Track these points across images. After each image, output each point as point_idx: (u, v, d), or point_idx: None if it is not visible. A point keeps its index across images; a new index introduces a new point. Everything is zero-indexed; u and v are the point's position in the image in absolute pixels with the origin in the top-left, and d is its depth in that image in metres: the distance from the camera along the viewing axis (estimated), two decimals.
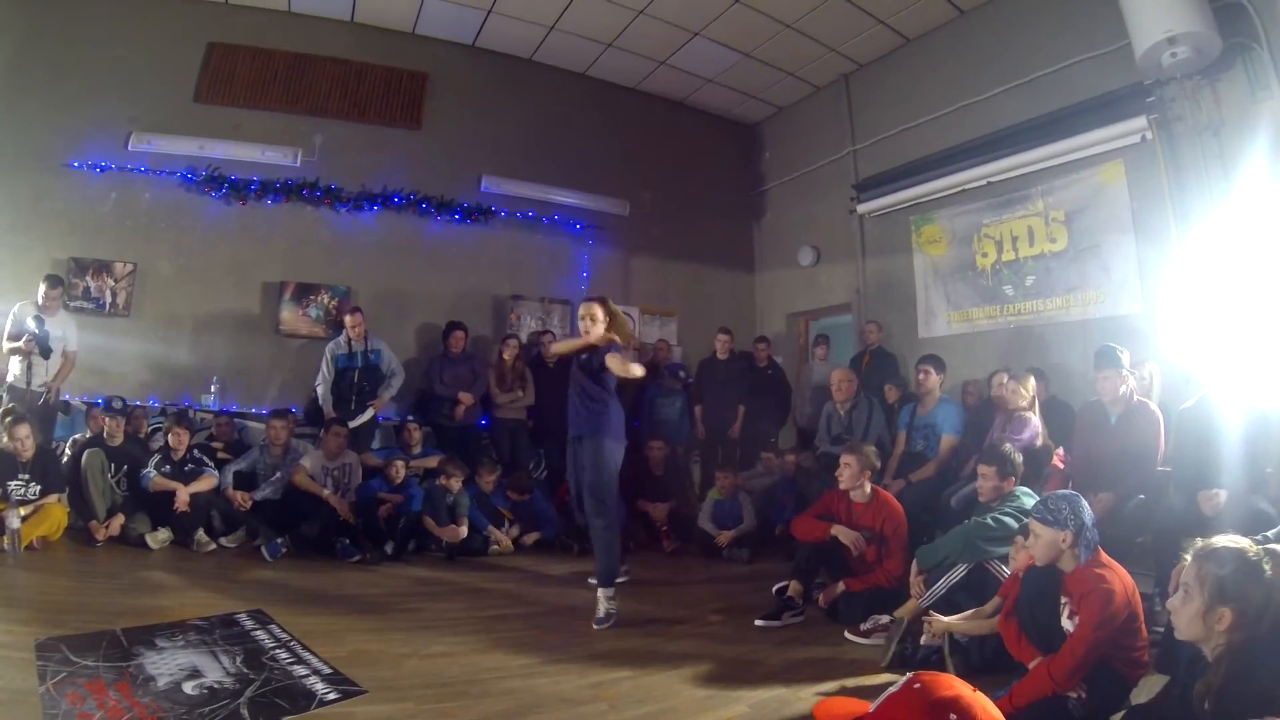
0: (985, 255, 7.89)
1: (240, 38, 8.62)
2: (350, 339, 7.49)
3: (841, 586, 4.82)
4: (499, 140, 9.56)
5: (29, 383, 6.53)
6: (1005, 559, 3.98)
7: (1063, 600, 3.18)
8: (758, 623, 4.58)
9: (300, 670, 3.39)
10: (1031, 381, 5.85)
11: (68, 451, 6.47)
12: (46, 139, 7.75)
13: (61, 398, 6.96)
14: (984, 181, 7.83)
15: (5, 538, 5.27)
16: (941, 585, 4.16)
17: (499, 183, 9.45)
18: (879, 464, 5.13)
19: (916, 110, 8.67)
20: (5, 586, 4.67)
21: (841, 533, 4.83)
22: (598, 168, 9.99)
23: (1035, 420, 5.67)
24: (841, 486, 4.97)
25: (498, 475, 7.10)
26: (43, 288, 6.66)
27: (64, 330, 6.77)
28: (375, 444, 7.65)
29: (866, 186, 9.07)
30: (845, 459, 4.94)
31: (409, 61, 9.30)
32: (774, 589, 4.94)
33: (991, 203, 7.85)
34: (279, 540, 5.87)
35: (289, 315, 8.40)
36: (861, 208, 9.09)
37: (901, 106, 8.87)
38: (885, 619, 4.18)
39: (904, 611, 4.13)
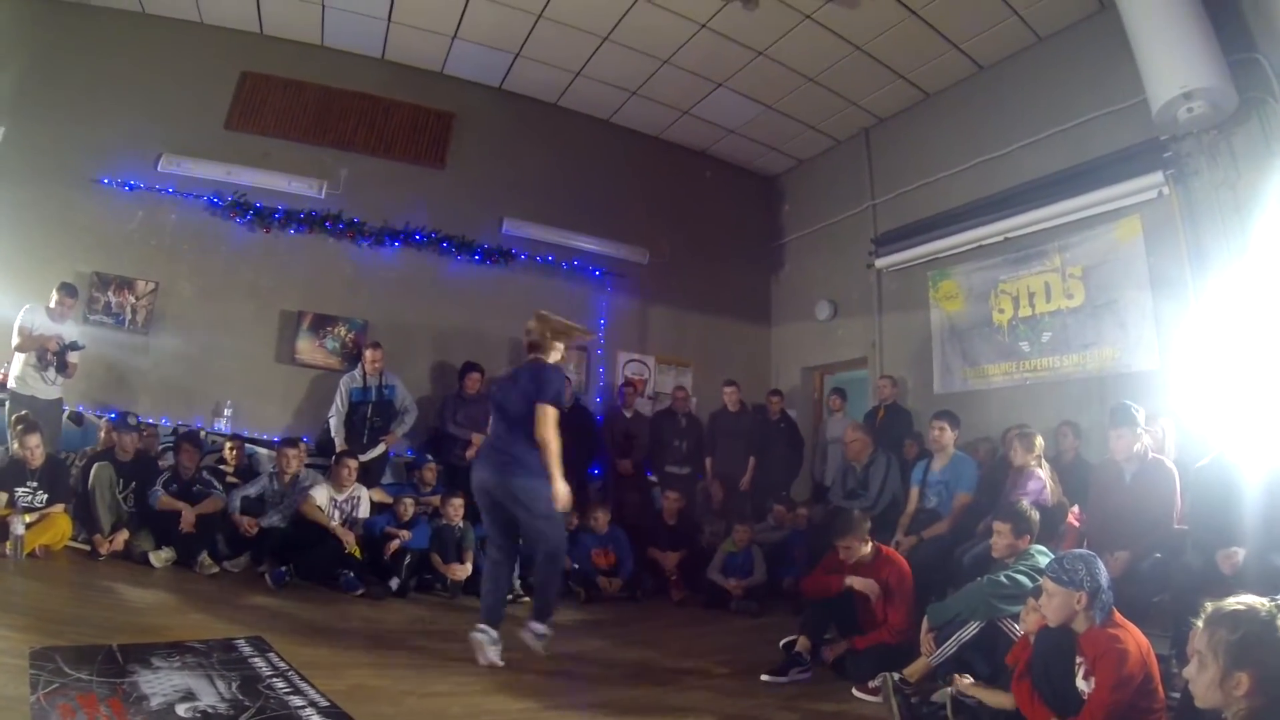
0: (1002, 311, 7.87)
1: (273, 68, 8.80)
2: (366, 373, 7.53)
3: (849, 643, 4.75)
4: (522, 183, 9.63)
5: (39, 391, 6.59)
6: (1018, 618, 3.89)
7: (1078, 661, 3.11)
8: (764, 678, 4.49)
9: (297, 701, 3.33)
10: (1039, 440, 5.77)
11: (77, 463, 6.45)
12: (77, 154, 7.90)
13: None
14: (1001, 237, 7.83)
15: (8, 543, 5.30)
16: (952, 643, 4.08)
17: (520, 225, 9.50)
18: (869, 525, 5.06)
19: (935, 165, 8.72)
20: (4, 592, 4.67)
21: (855, 581, 4.76)
22: (618, 215, 10.04)
23: (1041, 474, 5.59)
24: (849, 564, 4.90)
25: None
26: (56, 295, 6.73)
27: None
28: (385, 479, 7.64)
29: (885, 241, 9.09)
30: (842, 544, 4.87)
31: (436, 101, 9.42)
32: (782, 644, 4.84)
33: (1009, 258, 7.85)
34: (283, 568, 5.82)
35: (305, 345, 8.42)
36: (879, 262, 9.09)
37: (920, 161, 8.92)
38: (894, 676, 4.09)
39: (913, 669, 4.05)
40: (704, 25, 7.98)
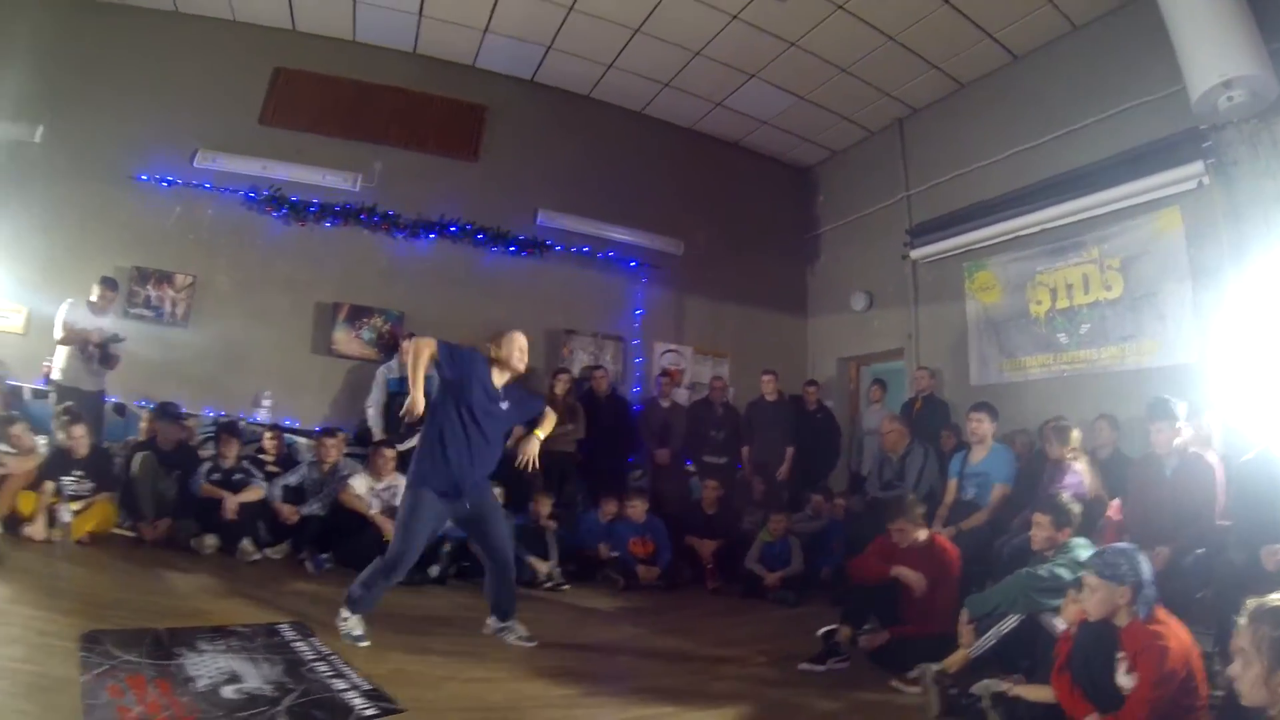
0: (1039, 303, 7.79)
1: (306, 64, 8.91)
2: (402, 364, 7.53)
3: (888, 633, 4.71)
4: (555, 175, 9.67)
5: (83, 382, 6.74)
6: (1057, 611, 3.86)
7: (1119, 656, 3.08)
8: (802, 666, 4.48)
9: (339, 684, 3.38)
10: (1075, 433, 5.72)
11: (121, 453, 6.57)
12: (115, 151, 8.08)
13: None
14: (1038, 228, 7.74)
15: (56, 530, 5.46)
16: (991, 635, 4.04)
17: (555, 217, 9.52)
18: (923, 510, 5.03)
19: (970, 155, 8.64)
20: (53, 577, 4.77)
21: (903, 573, 4.69)
22: (653, 206, 10.04)
23: (1078, 468, 5.54)
24: (902, 547, 4.86)
25: (553, 503, 7.05)
26: (97, 289, 6.89)
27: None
28: None
29: (920, 232, 9.02)
30: (895, 526, 4.84)
31: (469, 94, 9.47)
32: (820, 632, 4.76)
33: (1045, 250, 7.76)
34: (324, 555, 5.90)
35: (341, 336, 8.51)
36: (915, 253, 9.03)
37: (955, 151, 8.84)
38: (933, 668, 4.06)
39: (952, 661, 4.00)
40: (735, 16, 7.96)
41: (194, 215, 8.30)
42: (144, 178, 8.16)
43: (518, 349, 4.55)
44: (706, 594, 6.80)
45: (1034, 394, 7.69)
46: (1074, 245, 7.52)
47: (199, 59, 8.55)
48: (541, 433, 4.68)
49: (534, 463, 4.58)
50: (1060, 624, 3.72)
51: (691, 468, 8.59)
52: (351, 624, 4.15)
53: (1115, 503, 5.36)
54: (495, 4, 8.21)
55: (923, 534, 4.85)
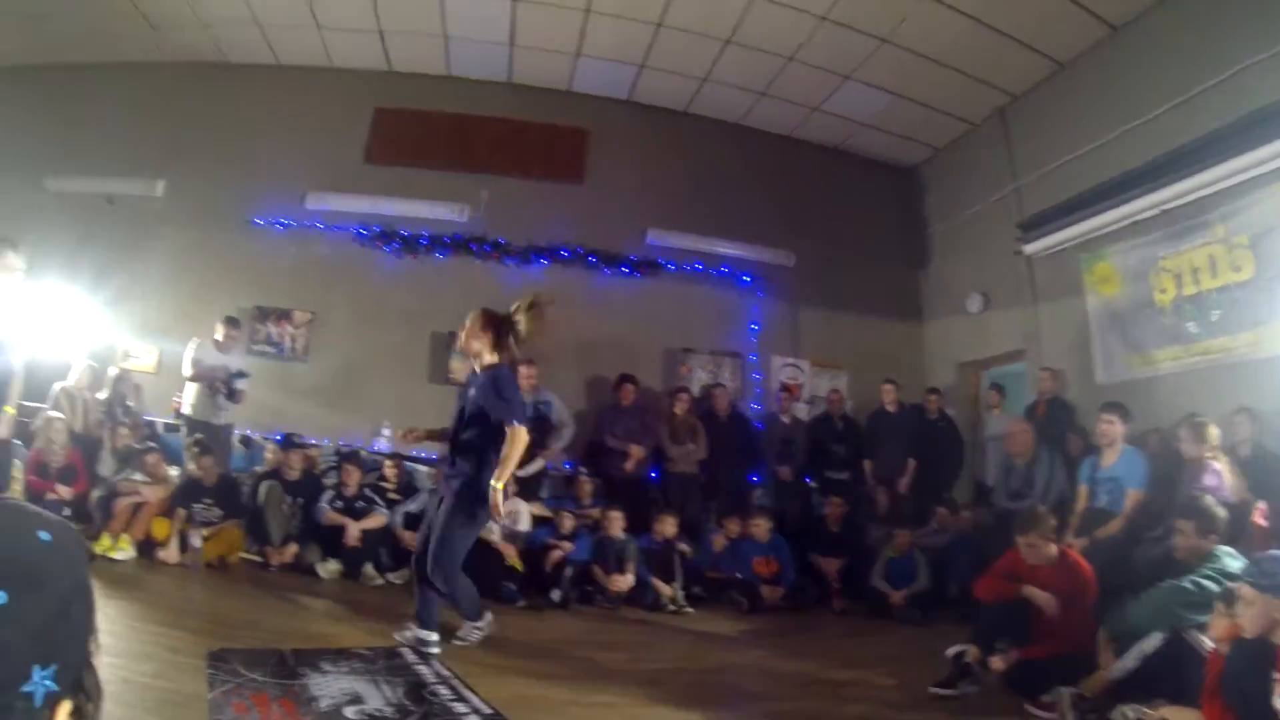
0: (1164, 291, 7.31)
1: (404, 102, 9.22)
2: (521, 390, 7.62)
3: (1021, 654, 4.47)
4: (661, 193, 9.63)
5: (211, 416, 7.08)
6: (1204, 628, 3.58)
7: (1275, 676, 2.83)
8: (932, 689, 4.26)
9: (460, 708, 3.38)
10: (1213, 429, 5.35)
11: (248, 482, 6.85)
12: (232, 199, 8.65)
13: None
14: (1156, 210, 7.23)
15: (187, 554, 5.82)
16: (1132, 655, 3.76)
17: (664, 235, 9.46)
18: (1054, 522, 4.75)
19: (1078, 139, 8.16)
20: (184, 598, 5.03)
21: (1033, 594, 4.42)
22: (761, 218, 9.87)
23: (1218, 467, 5.17)
24: (1030, 563, 4.63)
25: (678, 524, 6.98)
26: (221, 328, 7.27)
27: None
28: (544, 493, 7.72)
29: (1032, 225, 8.58)
30: (1024, 541, 4.59)
31: (568, 118, 9.56)
32: (949, 653, 4.54)
33: (1166, 233, 7.27)
34: None
35: (458, 365, 8.47)
36: (1028, 248, 8.59)
37: (1062, 136, 8.37)
38: (1070, 692, 3.82)
39: (1091, 684, 3.77)
40: (824, 18, 7.80)
41: (309, 254, 8.71)
42: (260, 222, 8.69)
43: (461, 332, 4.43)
44: (832, 614, 6.60)
45: (1165, 389, 7.20)
46: (1197, 225, 7.01)
47: (303, 106, 9.05)
48: (499, 482, 4.09)
49: (498, 513, 4.21)
50: (1209, 642, 3.43)
51: (813, 484, 8.40)
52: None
53: (1262, 506, 4.95)
54: (584, 28, 8.30)
55: (1053, 549, 4.57)
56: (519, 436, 4.07)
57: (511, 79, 9.43)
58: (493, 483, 4.07)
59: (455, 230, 8.91)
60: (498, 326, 4.29)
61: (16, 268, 4.59)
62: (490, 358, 4.27)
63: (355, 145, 9.07)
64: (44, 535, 0.73)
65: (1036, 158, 8.64)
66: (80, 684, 0.73)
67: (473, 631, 4.41)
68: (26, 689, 0.66)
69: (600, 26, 8.26)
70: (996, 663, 4.30)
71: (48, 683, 0.68)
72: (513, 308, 4.32)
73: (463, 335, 4.36)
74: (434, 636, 4.20)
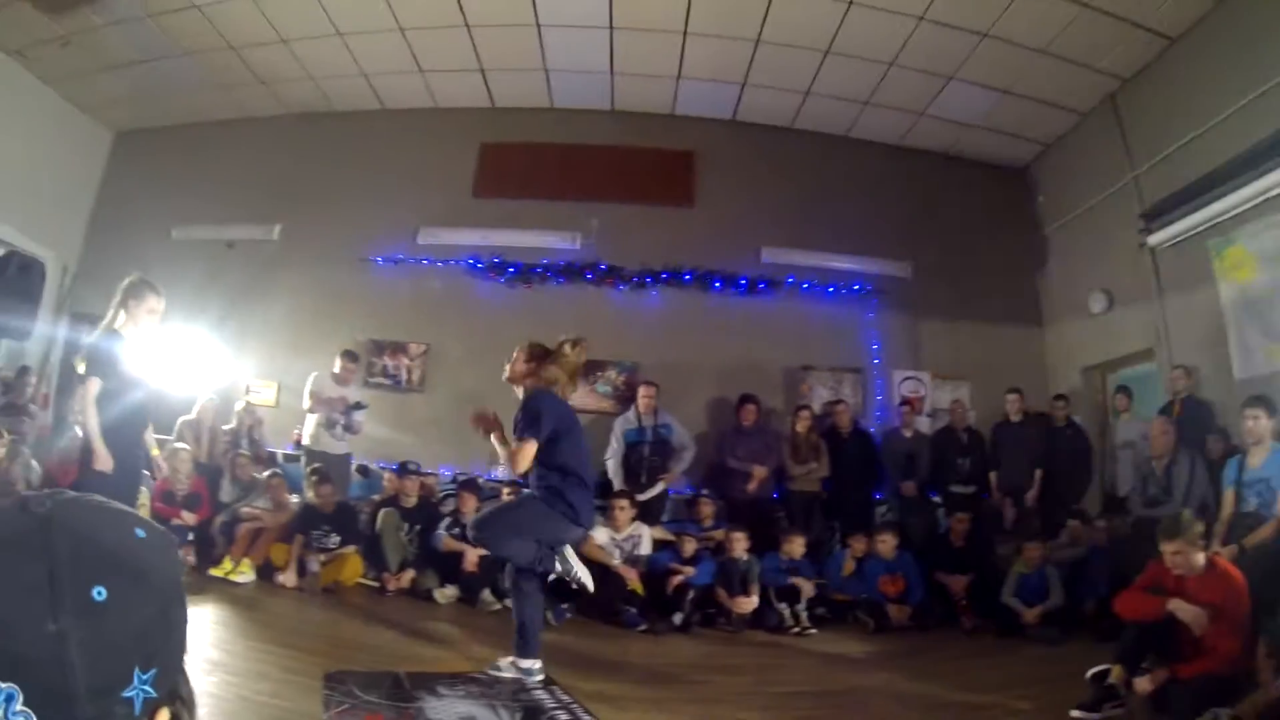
0: None
1: (509, 135, 9.35)
2: (640, 414, 7.53)
3: (1169, 673, 4.01)
4: (773, 210, 9.46)
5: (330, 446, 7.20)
6: None
7: None
8: (1074, 714, 3.90)
9: None
10: None
11: (366, 510, 6.96)
12: (345, 238, 8.99)
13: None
14: None
15: (305, 579, 5.98)
16: None
17: (778, 253, 9.27)
18: (1202, 528, 4.29)
19: (1197, 117, 7.50)
20: (301, 621, 5.11)
21: (1180, 608, 3.99)
22: (874, 231, 9.59)
23: None
24: (1176, 574, 4.18)
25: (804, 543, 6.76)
26: (339, 361, 7.41)
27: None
28: (665, 517, 7.58)
29: (1154, 215, 7.95)
30: (1169, 550, 4.16)
31: (673, 141, 9.49)
32: (1089, 675, 4.15)
33: None
34: (564, 605, 5.81)
35: (577, 391, 8.57)
36: (1152, 239, 7.96)
37: (1179, 116, 7.71)
38: (1226, 713, 3.38)
39: (1249, 704, 3.35)
40: (921, 18, 7.50)
41: (422, 288, 8.90)
42: (374, 259, 8.93)
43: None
44: (960, 634, 6.20)
45: None
46: None
47: (410, 146, 9.34)
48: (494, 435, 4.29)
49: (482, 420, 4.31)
50: None
51: (937, 499, 8.05)
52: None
53: None
54: (682, 50, 8.22)
55: (1201, 558, 4.12)
56: (523, 450, 3.97)
57: (614, 107, 9.43)
58: (484, 413, 4.33)
59: (568, 258, 8.92)
60: (540, 358, 4.26)
61: (159, 310, 4.75)
62: (531, 383, 4.21)
63: (463, 180, 9.23)
64: (140, 532, 0.71)
65: (1153, 142, 8.02)
66: (177, 692, 0.70)
67: (512, 668, 4.03)
68: (128, 694, 0.63)
69: (698, 47, 8.18)
70: (1143, 684, 3.93)
71: (147, 688, 0.64)
72: (560, 340, 4.32)
73: (508, 367, 4.34)
74: (536, 664, 4.00)
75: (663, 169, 9.36)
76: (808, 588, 6.32)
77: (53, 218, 9.19)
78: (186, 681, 0.72)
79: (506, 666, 3.95)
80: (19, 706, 0.57)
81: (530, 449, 3.94)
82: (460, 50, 8.36)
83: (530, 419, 3.96)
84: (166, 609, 0.68)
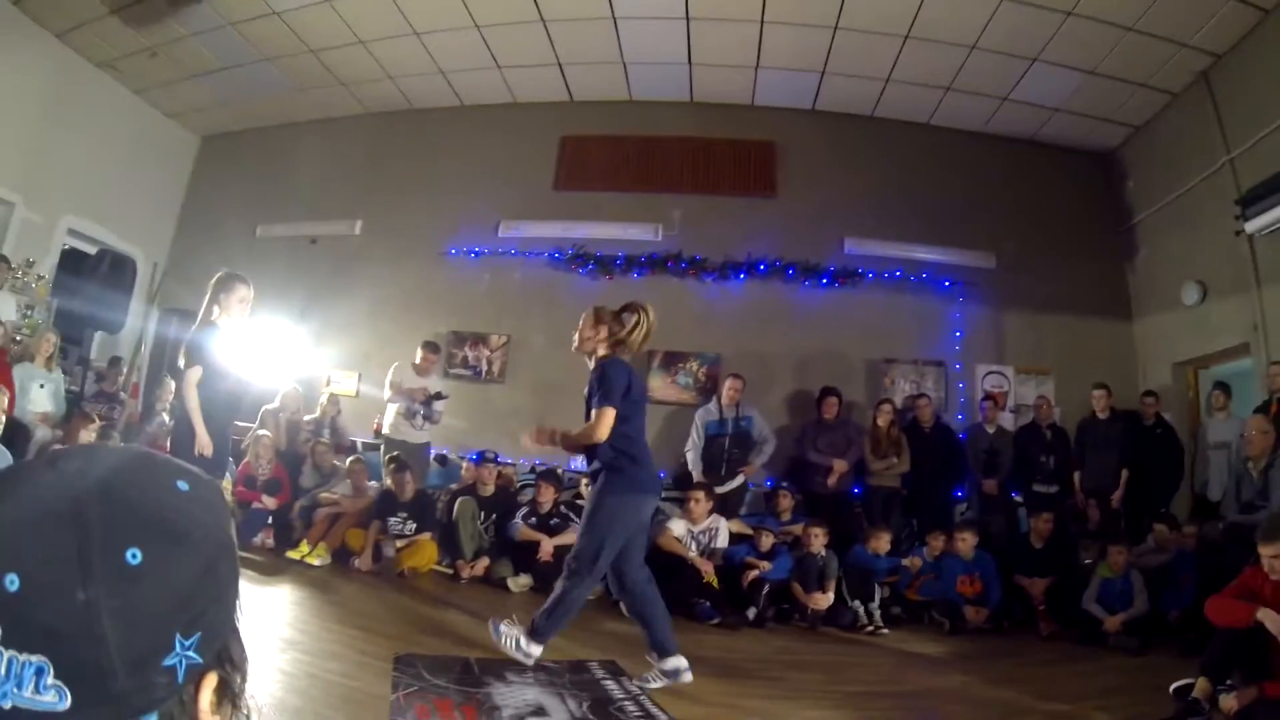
0: None
1: (589, 129, 9.41)
2: (722, 405, 7.50)
3: (1258, 690, 3.73)
4: (856, 200, 9.29)
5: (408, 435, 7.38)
6: None
7: None
8: None
9: None
10: None
11: (443, 498, 7.06)
12: (426, 232, 9.24)
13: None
14: None
15: (380, 564, 6.17)
16: None
17: (861, 243, 9.11)
18: None
19: None
20: (375, 605, 5.18)
21: (1269, 618, 3.75)
22: (957, 220, 9.32)
23: None
24: (1274, 579, 3.91)
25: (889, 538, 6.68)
26: (420, 352, 7.57)
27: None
28: (743, 510, 7.51)
29: (1252, 199, 7.41)
30: (1267, 551, 3.89)
31: (754, 132, 9.41)
32: (1173, 688, 3.92)
33: None
34: None
35: (657, 383, 8.60)
36: (1249, 225, 7.43)
37: (1277, 95, 7.29)
38: None
39: None
40: None
41: (503, 280, 9.02)
42: (454, 252, 9.14)
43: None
44: (1038, 639, 5.98)
45: None
46: None
47: (490, 141, 9.51)
48: (552, 440, 4.12)
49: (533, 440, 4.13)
50: None
51: (1019, 498, 7.82)
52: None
53: None
54: (760, 40, 8.13)
55: None
56: (603, 417, 3.88)
57: (693, 98, 9.38)
58: (538, 429, 4.12)
59: (650, 250, 8.92)
60: (608, 322, 4.16)
61: (249, 299, 4.95)
62: (603, 351, 4.12)
63: (544, 174, 9.33)
64: (182, 484, 0.66)
65: (1250, 122, 7.51)
66: (227, 654, 0.67)
67: (659, 676, 3.89)
68: (169, 662, 0.59)
69: (776, 36, 8.07)
70: (1229, 701, 3.66)
71: (191, 654, 0.61)
72: (628, 305, 4.22)
73: (576, 336, 4.24)
74: (682, 663, 3.86)
75: (744, 159, 9.29)
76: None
77: (144, 219, 9.83)
78: (239, 642, 0.69)
79: (655, 676, 3.83)
80: (50, 680, 0.54)
81: (610, 416, 3.88)
82: (537, 45, 8.43)
83: (608, 387, 3.91)
84: (213, 565, 0.64)
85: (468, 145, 9.51)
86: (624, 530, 3.92)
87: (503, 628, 3.94)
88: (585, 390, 4.07)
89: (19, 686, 0.54)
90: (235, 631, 0.69)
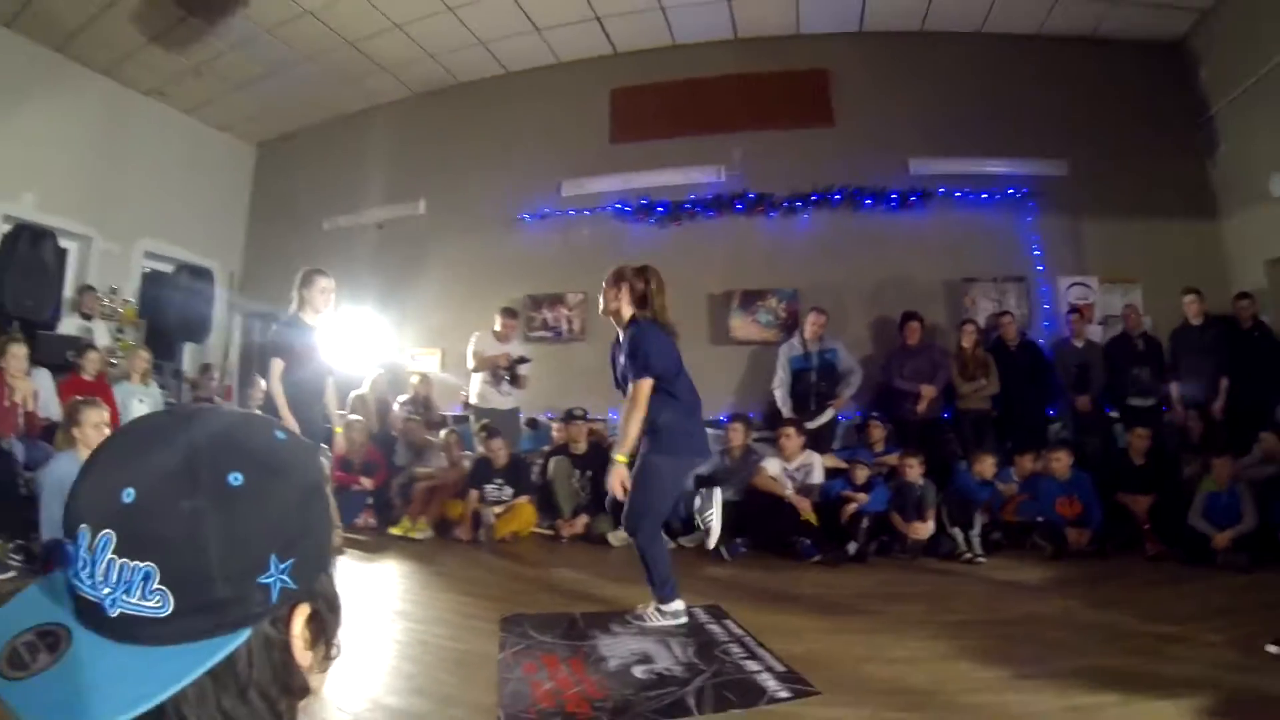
0: None
1: (638, 78, 9.34)
2: (805, 340, 7.47)
3: None
4: (915, 119, 8.97)
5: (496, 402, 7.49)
6: None
7: None
8: (1270, 648, 3.51)
9: (753, 666, 3.30)
10: None
11: (537, 461, 7.20)
12: (490, 202, 9.44)
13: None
14: None
15: (481, 531, 6.31)
16: None
17: (926, 163, 8.84)
18: None
19: None
20: (479, 571, 5.34)
21: None
22: (1023, 129, 8.93)
23: None
24: None
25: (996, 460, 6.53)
26: (499, 319, 7.64)
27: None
28: (836, 444, 7.49)
29: None
30: None
31: (804, 61, 9.18)
32: None
33: None
34: (739, 540, 5.87)
35: (738, 323, 8.67)
36: None
37: None
38: None
39: None
40: None
41: (572, 239, 9.12)
42: (522, 217, 9.26)
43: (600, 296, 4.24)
44: (1144, 560, 5.78)
45: None
46: None
47: (541, 104, 9.57)
48: (620, 454, 4.02)
49: (618, 490, 3.99)
50: None
51: (1114, 414, 7.56)
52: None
53: None
54: None
55: None
56: (639, 391, 3.89)
57: (737, 35, 9.20)
58: (614, 457, 4.04)
59: (714, 191, 8.90)
60: (631, 280, 4.11)
61: (330, 288, 5.20)
62: (629, 311, 4.10)
63: (599, 129, 9.33)
64: (281, 435, 0.71)
65: None
66: (321, 591, 0.70)
67: (655, 614, 3.97)
68: (264, 579, 0.62)
69: None
70: None
71: (285, 578, 0.64)
72: (637, 269, 4.17)
73: (601, 299, 4.20)
74: (679, 604, 3.97)
75: (797, 90, 9.08)
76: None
77: (214, 230, 10.35)
78: (331, 583, 0.72)
79: (651, 614, 3.93)
80: (156, 585, 0.58)
81: (646, 387, 3.91)
82: (572, 2, 8.37)
83: (642, 359, 3.92)
84: (306, 503, 0.68)
85: (519, 112, 9.56)
86: (674, 488, 4.06)
87: (643, 614, 3.97)
88: (612, 356, 4.16)
89: (127, 593, 0.58)
90: (329, 574, 0.72)
